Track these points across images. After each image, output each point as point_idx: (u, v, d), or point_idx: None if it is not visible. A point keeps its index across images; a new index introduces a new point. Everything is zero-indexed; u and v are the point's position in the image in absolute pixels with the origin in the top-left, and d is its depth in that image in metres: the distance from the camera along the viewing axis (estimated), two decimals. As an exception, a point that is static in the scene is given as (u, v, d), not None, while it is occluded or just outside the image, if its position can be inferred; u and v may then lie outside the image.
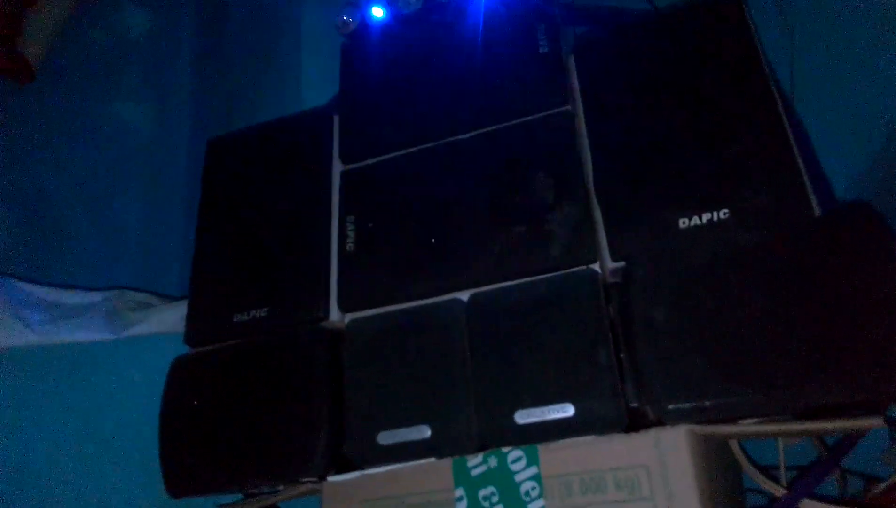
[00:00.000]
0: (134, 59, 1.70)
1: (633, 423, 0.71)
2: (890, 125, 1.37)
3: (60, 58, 1.56)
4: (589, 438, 0.71)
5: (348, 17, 1.01)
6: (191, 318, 0.92)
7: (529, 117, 0.88)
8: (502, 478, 0.73)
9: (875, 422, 0.64)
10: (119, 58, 1.68)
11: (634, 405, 0.71)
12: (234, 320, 0.89)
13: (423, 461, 0.76)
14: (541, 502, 0.71)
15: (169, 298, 1.10)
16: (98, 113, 1.61)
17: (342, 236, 0.89)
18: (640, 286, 0.72)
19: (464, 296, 0.82)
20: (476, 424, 0.74)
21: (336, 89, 1.02)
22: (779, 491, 0.74)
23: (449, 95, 0.93)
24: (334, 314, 0.87)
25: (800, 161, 0.72)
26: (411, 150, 0.92)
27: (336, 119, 1.00)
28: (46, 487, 0.87)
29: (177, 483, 0.85)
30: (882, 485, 0.97)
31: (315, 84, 1.44)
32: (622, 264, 0.77)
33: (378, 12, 1.00)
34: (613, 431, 0.70)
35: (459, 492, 0.75)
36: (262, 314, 0.88)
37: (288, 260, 0.91)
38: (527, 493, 0.72)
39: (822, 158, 1.44)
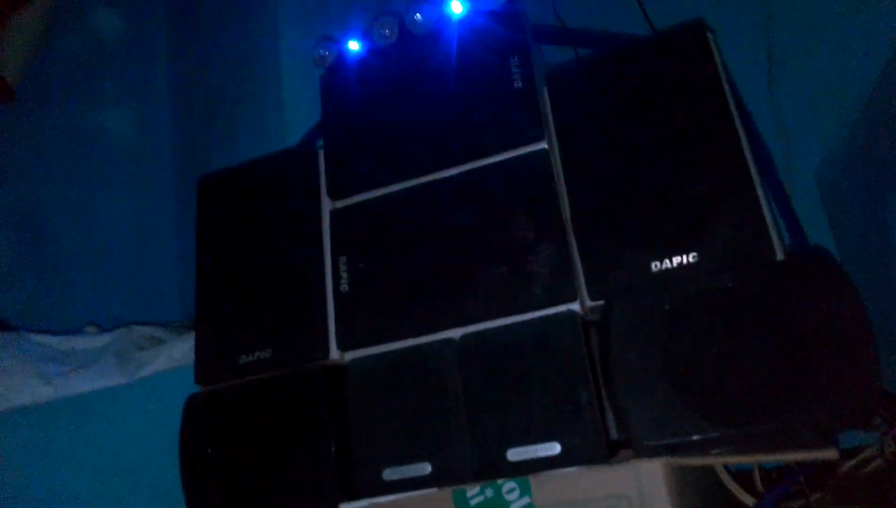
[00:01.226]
0: (111, 64, 1.70)
1: (618, 446, 0.78)
2: (866, 93, 1.41)
3: (39, 72, 1.56)
4: (574, 469, 0.78)
5: (324, 51, 1.03)
6: (199, 359, 0.98)
7: (508, 154, 0.92)
8: (499, 507, 0.81)
9: (830, 454, 0.71)
10: (96, 64, 1.68)
11: (615, 437, 0.78)
12: (241, 361, 0.95)
13: (425, 491, 0.84)
14: (534, 528, 0.79)
15: (169, 325, 1.15)
16: (80, 123, 1.63)
17: (336, 277, 0.94)
18: (616, 330, 0.77)
19: (455, 333, 0.87)
20: (472, 461, 0.81)
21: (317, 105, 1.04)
22: (750, 502, 0.81)
23: (428, 131, 0.96)
24: (334, 353, 0.93)
25: (763, 204, 0.77)
26: (395, 188, 0.96)
27: (321, 154, 1.03)
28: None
29: (200, 511, 0.92)
30: (852, 462, 1.06)
31: (295, 84, 1.45)
32: (600, 302, 0.82)
33: (354, 46, 1.02)
34: (597, 463, 0.77)
35: (460, 520, 0.82)
36: (267, 356, 0.94)
37: (287, 301, 0.96)
38: (521, 521, 0.79)
39: (802, 126, 1.48)
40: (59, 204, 1.52)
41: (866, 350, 0.68)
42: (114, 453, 0.98)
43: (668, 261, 0.79)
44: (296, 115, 1.32)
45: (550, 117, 0.92)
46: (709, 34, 0.87)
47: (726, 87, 0.83)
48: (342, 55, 1.03)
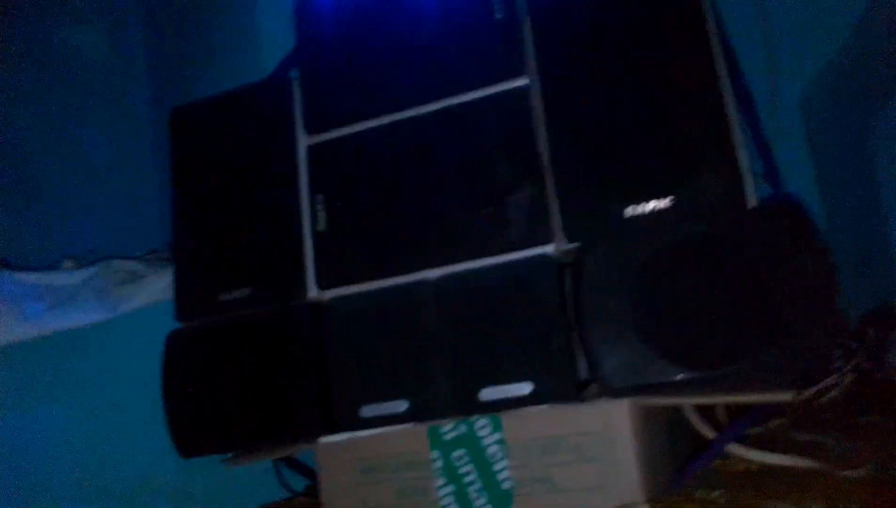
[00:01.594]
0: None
1: (587, 385, 0.81)
2: (855, 18, 1.38)
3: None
4: (545, 407, 0.81)
5: (298, -23, 0.99)
6: (178, 296, 0.99)
7: (488, 89, 0.90)
8: (471, 442, 0.84)
9: (787, 396, 0.74)
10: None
11: (585, 377, 0.81)
12: (220, 298, 0.96)
13: (402, 426, 0.87)
14: (504, 462, 0.83)
15: (149, 258, 1.15)
16: (52, 44, 1.56)
17: (313, 215, 0.94)
18: (588, 275, 0.79)
19: (434, 274, 0.88)
20: (447, 399, 0.84)
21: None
22: (711, 435, 0.86)
23: (407, 63, 0.94)
24: (313, 291, 0.94)
25: (739, 152, 0.77)
26: (373, 123, 0.95)
27: (296, 84, 1.00)
28: (61, 458, 0.97)
29: (185, 446, 0.96)
30: (811, 390, 1.11)
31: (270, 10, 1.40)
32: (576, 245, 0.83)
33: (329, -30, 0.98)
34: (565, 402, 0.80)
35: (435, 454, 0.86)
36: (245, 294, 0.95)
37: (264, 239, 0.96)
38: (492, 455, 0.83)
39: (790, 48, 1.46)
40: (33, 130, 1.48)
41: (830, 301, 0.70)
42: (98, 388, 1.00)
43: (642, 206, 0.79)
44: (273, 38, 1.28)
45: (533, 51, 0.90)
46: (695, -32, 0.83)
47: (712, 28, 0.81)
48: (316, -21, 0.98)
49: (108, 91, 1.62)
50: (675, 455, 0.90)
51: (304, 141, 0.98)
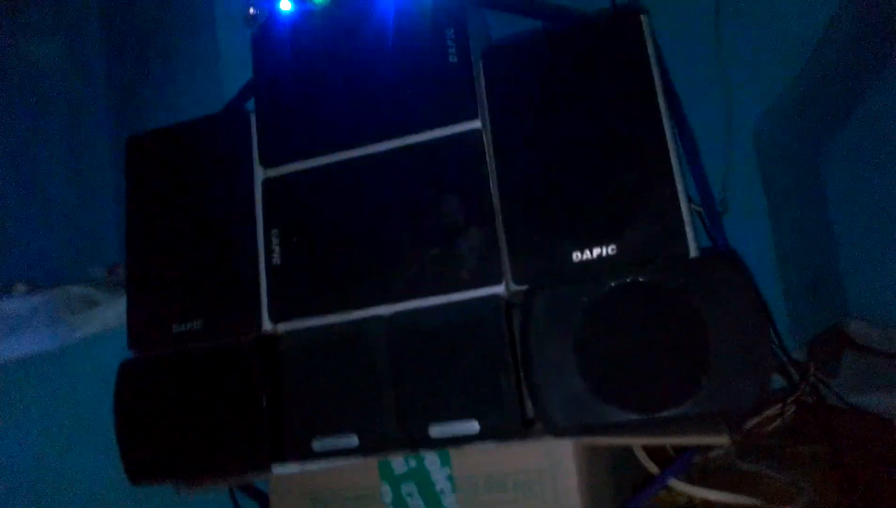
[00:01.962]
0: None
1: (533, 423, 0.83)
2: (809, 48, 1.43)
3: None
4: (492, 444, 0.83)
5: (255, 10, 0.99)
6: (131, 325, 0.99)
7: (442, 131, 0.91)
8: (421, 477, 0.86)
9: (722, 440, 0.77)
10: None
11: (531, 416, 0.83)
12: (173, 330, 0.96)
13: (353, 459, 0.88)
14: (453, 497, 0.84)
15: (101, 283, 1.15)
16: (9, 56, 1.54)
17: (268, 249, 0.95)
18: (535, 319, 0.81)
19: (386, 310, 0.90)
20: (396, 434, 0.85)
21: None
22: (655, 470, 0.88)
23: (362, 101, 0.95)
24: (266, 325, 0.94)
25: (681, 202, 0.79)
26: (328, 159, 0.96)
27: (253, 117, 1.01)
28: (12, 487, 0.96)
29: (136, 473, 0.95)
30: (755, 419, 1.15)
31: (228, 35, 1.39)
32: (524, 286, 0.85)
33: (286, 5, 0.98)
34: (512, 440, 0.82)
35: (385, 487, 0.87)
36: (198, 326, 0.95)
37: (218, 271, 0.96)
38: (441, 490, 0.85)
39: (748, 75, 1.50)
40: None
41: (762, 349, 0.73)
42: (52, 417, 1.00)
43: (588, 252, 0.81)
44: (232, 65, 1.28)
45: (484, 93, 0.92)
46: (643, 17, 0.86)
47: (656, 77, 0.83)
48: (274, 15, 0.99)
49: (67, 105, 1.60)
50: (620, 489, 0.92)
51: (259, 173, 0.99)
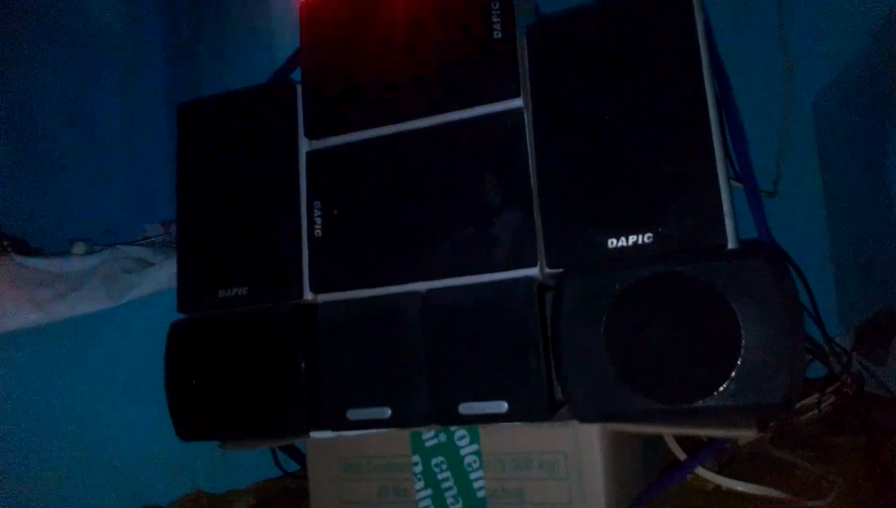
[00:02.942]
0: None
1: (561, 406, 0.85)
2: (874, 24, 1.36)
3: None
4: (520, 424, 0.85)
5: (304, -19, 1.00)
6: (181, 289, 1.03)
7: (484, 108, 0.91)
8: (450, 451, 0.89)
9: (750, 434, 0.77)
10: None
11: (559, 398, 0.84)
12: (220, 295, 1.00)
13: (386, 430, 0.91)
14: (480, 472, 0.87)
15: (155, 244, 1.20)
16: (66, 13, 1.58)
17: (310, 222, 0.97)
18: (567, 305, 0.81)
19: (422, 286, 0.91)
20: (428, 410, 0.87)
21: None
22: (682, 456, 0.89)
23: (406, 75, 0.95)
24: (307, 294, 0.97)
25: (722, 193, 0.78)
26: (372, 133, 0.97)
27: (300, 88, 1.02)
28: (66, 437, 1.03)
29: (185, 431, 1.01)
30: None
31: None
32: (559, 270, 0.85)
33: (334, -22, 0.98)
34: (539, 421, 0.84)
35: (416, 458, 0.90)
36: (243, 292, 0.99)
37: (263, 240, 0.99)
38: (469, 465, 0.87)
39: (810, 49, 1.45)
40: (48, 101, 1.52)
41: (794, 349, 0.72)
42: (108, 373, 1.06)
43: (623, 239, 0.81)
44: (282, 32, 1.29)
45: (527, 69, 0.91)
46: (695, -5, 0.83)
47: (704, 58, 0.81)
48: (322, -14, 0.99)
49: (124, 61, 1.64)
50: (648, 473, 0.93)
51: (304, 144, 1.01)
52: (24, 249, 1.15)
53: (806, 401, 1.11)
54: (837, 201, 1.56)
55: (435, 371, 0.88)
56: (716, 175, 0.78)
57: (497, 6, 0.91)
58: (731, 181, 0.83)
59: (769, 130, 1.46)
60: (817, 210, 1.53)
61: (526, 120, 0.89)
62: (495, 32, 0.90)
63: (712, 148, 0.79)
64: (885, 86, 1.66)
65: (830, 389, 1.09)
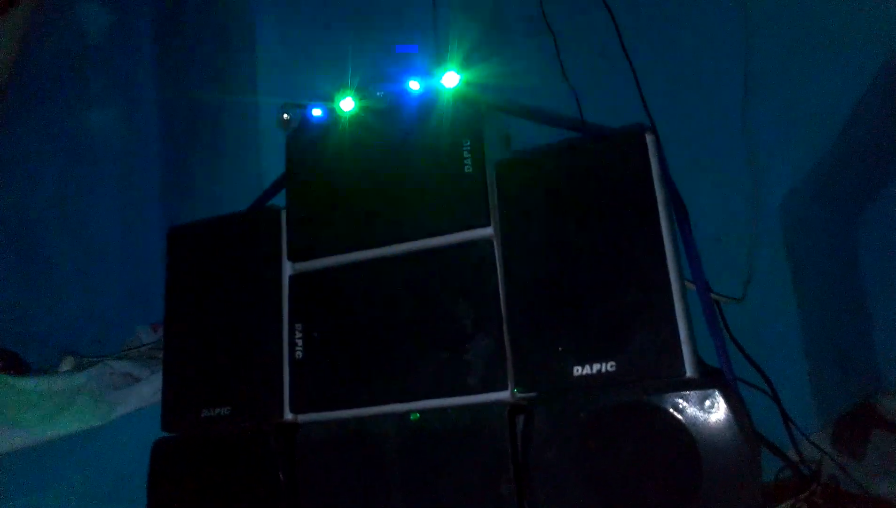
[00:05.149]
0: (97, 61, 1.71)
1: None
2: (838, 125, 1.43)
3: (24, 73, 1.57)
4: (494, 549, 0.87)
5: (288, 115, 1.07)
6: (165, 408, 1.06)
7: (456, 236, 0.97)
8: (426, 574, 0.90)
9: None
10: (82, 62, 1.69)
11: (532, 524, 0.86)
12: (202, 414, 1.03)
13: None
14: (455, 596, 0.88)
15: (142, 357, 1.23)
16: (67, 123, 1.66)
17: (292, 343, 1.01)
18: (536, 433, 0.85)
19: (400, 408, 0.95)
20: (405, 533, 0.90)
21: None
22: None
23: (384, 203, 1.01)
24: (287, 414, 1.00)
25: (680, 324, 0.82)
26: (350, 258, 1.02)
27: (283, 215, 1.08)
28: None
29: (166, 549, 1.02)
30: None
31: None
32: (529, 394, 0.89)
33: (317, 112, 1.05)
34: (513, 547, 0.86)
35: (392, 581, 0.92)
36: (226, 412, 1.02)
37: (245, 361, 1.03)
38: (444, 589, 0.89)
39: (775, 155, 1.52)
40: (47, 207, 1.58)
41: (752, 478, 0.76)
42: (90, 492, 1.07)
43: (588, 367, 0.85)
44: (270, 159, 1.35)
45: (497, 202, 0.97)
46: (648, 136, 0.90)
47: (660, 198, 0.87)
48: (306, 120, 1.06)
49: (121, 169, 1.71)
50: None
51: (287, 267, 1.05)
52: (16, 363, 1.18)
53: (786, 504, 1.13)
54: (809, 298, 1.61)
55: (412, 494, 0.90)
56: (672, 308, 0.83)
57: (468, 143, 0.97)
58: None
59: (739, 234, 1.51)
60: (790, 308, 1.57)
61: (496, 248, 0.94)
62: (466, 167, 0.97)
63: (669, 281, 0.84)
64: (849, 185, 1.74)
65: (803, 496, 1.11)
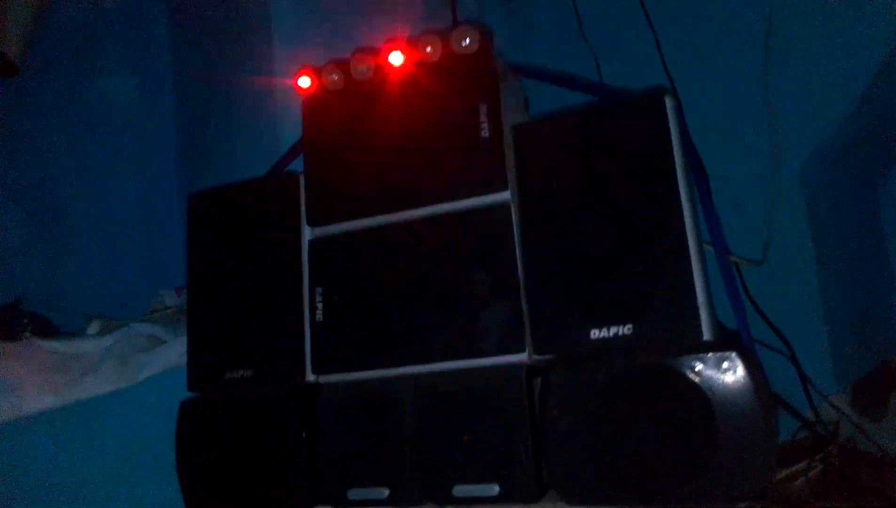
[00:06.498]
0: (112, 33, 1.71)
1: (549, 487, 0.89)
2: (859, 89, 1.41)
3: (40, 44, 1.58)
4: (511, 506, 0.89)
5: (304, 82, 1.07)
6: (191, 370, 1.09)
7: (473, 200, 0.97)
8: (446, 530, 0.93)
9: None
10: (97, 34, 1.69)
11: (547, 480, 0.88)
12: (226, 376, 1.05)
13: (386, 508, 0.96)
14: (475, 551, 0.91)
15: (167, 319, 1.26)
16: (84, 93, 1.67)
17: (312, 306, 1.03)
18: (553, 395, 0.86)
19: (417, 370, 0.96)
20: (423, 491, 0.92)
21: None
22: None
23: (401, 168, 1.02)
24: (309, 376, 1.03)
25: (697, 288, 0.82)
26: (368, 222, 1.03)
27: (301, 179, 1.08)
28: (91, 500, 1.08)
29: (194, 505, 1.05)
30: (784, 472, 1.17)
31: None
32: (545, 356, 0.90)
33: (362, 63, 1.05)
34: (529, 503, 0.88)
35: (413, 536, 0.95)
36: (249, 374, 1.04)
37: (268, 324, 1.05)
38: (464, 543, 0.91)
39: (793, 119, 1.50)
40: (67, 177, 1.60)
41: (767, 443, 0.76)
42: (119, 452, 1.11)
43: (605, 330, 0.86)
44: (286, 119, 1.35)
45: (514, 166, 0.97)
46: (668, 99, 0.89)
47: (678, 161, 0.86)
48: (323, 85, 1.06)
49: (138, 138, 1.72)
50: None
51: (307, 232, 1.07)
52: (44, 327, 1.21)
53: (795, 467, 1.14)
54: (828, 261, 1.60)
55: (427, 454, 0.92)
56: (691, 271, 0.83)
57: (485, 107, 0.97)
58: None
59: (759, 197, 1.50)
60: (809, 271, 1.57)
61: (513, 213, 0.95)
62: (483, 131, 0.96)
63: (687, 244, 0.84)
64: (872, 147, 1.71)
65: (819, 456, 1.12)
